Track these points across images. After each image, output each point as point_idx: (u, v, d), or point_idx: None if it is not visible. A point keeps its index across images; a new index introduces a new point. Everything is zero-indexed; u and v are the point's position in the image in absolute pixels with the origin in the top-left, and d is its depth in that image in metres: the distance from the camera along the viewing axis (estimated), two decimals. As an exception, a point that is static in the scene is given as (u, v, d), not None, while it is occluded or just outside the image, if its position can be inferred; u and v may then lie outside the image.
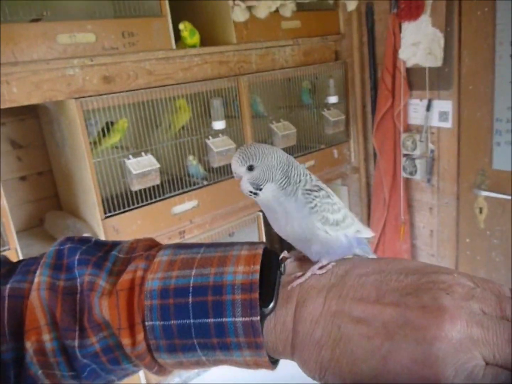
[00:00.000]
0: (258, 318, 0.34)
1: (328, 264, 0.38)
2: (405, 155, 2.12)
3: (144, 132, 1.65)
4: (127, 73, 1.56)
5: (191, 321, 0.35)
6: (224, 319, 0.35)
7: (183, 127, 1.78)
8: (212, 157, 1.77)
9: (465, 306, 0.31)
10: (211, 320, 0.35)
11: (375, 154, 2.29)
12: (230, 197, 1.84)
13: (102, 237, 1.52)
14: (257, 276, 0.35)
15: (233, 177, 0.43)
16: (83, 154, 1.47)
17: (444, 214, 2.15)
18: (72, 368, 0.39)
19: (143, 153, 1.60)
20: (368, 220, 2.43)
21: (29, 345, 0.38)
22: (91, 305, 0.38)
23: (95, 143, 1.56)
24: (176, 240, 1.71)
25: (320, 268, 0.38)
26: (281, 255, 0.40)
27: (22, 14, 1.34)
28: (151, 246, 0.43)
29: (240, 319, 0.34)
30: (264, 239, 2.03)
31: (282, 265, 0.38)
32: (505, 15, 1.70)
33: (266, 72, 1.94)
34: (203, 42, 1.78)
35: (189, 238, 1.77)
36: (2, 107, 1.33)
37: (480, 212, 2.01)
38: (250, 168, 0.41)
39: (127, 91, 1.55)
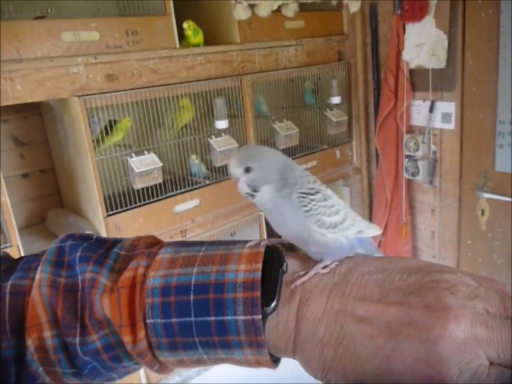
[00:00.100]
0: (260, 316, 0.34)
1: (331, 263, 0.38)
2: (407, 156, 2.12)
3: (147, 130, 1.65)
4: (130, 72, 1.56)
5: (193, 319, 0.35)
6: (225, 317, 0.35)
7: (186, 126, 1.78)
8: (214, 156, 1.77)
9: (469, 305, 0.30)
10: (212, 318, 0.35)
11: (377, 155, 2.29)
12: (232, 196, 1.84)
13: (104, 235, 1.52)
14: (259, 275, 0.35)
15: None
16: (86, 152, 1.47)
17: (446, 216, 2.15)
18: (73, 366, 0.39)
19: (145, 152, 1.60)
20: (369, 221, 2.42)
21: (30, 342, 0.38)
22: (92, 302, 0.38)
23: (98, 141, 1.56)
24: (178, 239, 1.71)
25: (324, 267, 0.38)
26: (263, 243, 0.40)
27: (26, 11, 1.34)
28: (153, 244, 0.43)
29: (242, 317, 0.34)
30: (265, 239, 2.02)
31: (284, 264, 0.38)
32: (509, 17, 1.70)
33: (269, 72, 1.94)
34: (207, 41, 1.78)
35: (190, 237, 1.77)
36: (6, 104, 1.33)
37: (482, 214, 2.01)
38: (247, 170, 0.41)
39: (130, 89, 1.55)
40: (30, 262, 0.42)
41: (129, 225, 1.58)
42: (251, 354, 0.35)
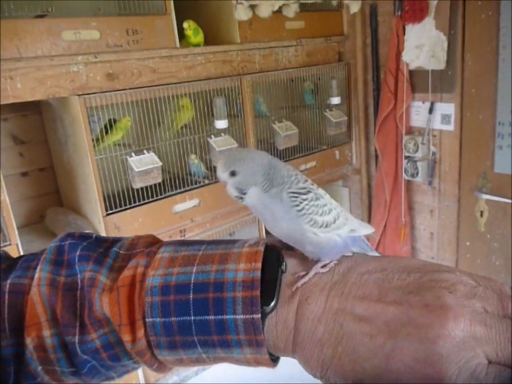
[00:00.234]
0: (259, 315, 0.34)
1: (330, 262, 0.38)
2: (406, 157, 2.12)
3: (146, 130, 1.65)
4: (130, 71, 1.56)
5: (192, 318, 0.35)
6: (224, 316, 0.35)
7: (185, 126, 1.78)
8: (214, 156, 1.77)
9: (468, 304, 0.31)
10: (211, 317, 0.35)
11: (376, 156, 2.29)
12: (231, 196, 1.84)
13: (103, 234, 1.52)
14: (258, 274, 0.35)
15: None
16: (85, 150, 1.47)
17: (444, 217, 2.15)
18: (72, 364, 0.39)
19: (145, 151, 1.60)
20: (368, 222, 2.43)
21: (29, 341, 0.38)
22: (91, 301, 0.38)
23: (97, 140, 1.56)
24: (177, 239, 1.71)
25: (323, 266, 0.38)
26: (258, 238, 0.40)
27: (27, 10, 1.34)
28: (152, 243, 0.43)
29: (241, 316, 0.34)
30: (264, 239, 2.03)
31: (284, 263, 0.38)
32: (509, 19, 1.70)
33: (269, 72, 1.94)
34: (207, 41, 1.78)
35: (189, 237, 1.77)
36: (6, 102, 1.33)
37: (481, 215, 2.01)
38: (233, 174, 0.41)
39: (130, 88, 1.55)
40: (29, 261, 0.42)
41: (128, 224, 1.58)
42: (250, 353, 0.35)
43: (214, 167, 1.81)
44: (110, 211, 1.55)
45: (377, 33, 2.17)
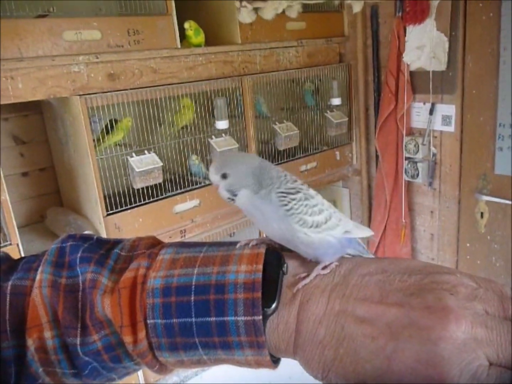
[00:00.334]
0: (260, 317, 0.34)
1: (331, 263, 0.38)
2: (407, 158, 2.12)
3: (147, 130, 1.65)
4: (131, 71, 1.56)
5: (193, 319, 0.35)
6: (226, 318, 0.35)
7: (186, 126, 1.78)
8: (214, 156, 1.77)
9: (469, 306, 0.31)
10: (213, 318, 0.35)
11: (377, 157, 2.29)
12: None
13: (104, 235, 1.52)
14: (259, 275, 0.35)
15: None
16: (86, 151, 1.47)
17: (445, 218, 2.15)
18: (73, 366, 0.39)
19: (146, 151, 1.60)
20: (369, 223, 2.43)
21: (31, 343, 0.38)
22: (93, 302, 0.38)
23: (98, 140, 1.56)
24: (177, 239, 1.71)
25: (324, 268, 0.38)
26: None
27: (28, 9, 1.34)
28: (153, 244, 0.43)
29: (242, 318, 0.34)
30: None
31: (285, 265, 0.38)
32: (510, 20, 1.70)
33: (270, 72, 1.94)
34: (208, 42, 1.78)
35: (189, 237, 1.77)
36: (6, 102, 1.33)
37: (481, 216, 2.01)
38: (224, 176, 0.42)
39: (131, 89, 1.55)
40: (30, 262, 0.42)
41: (129, 225, 1.58)
42: (252, 355, 0.35)
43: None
44: (111, 211, 1.55)
45: (378, 34, 2.17)
